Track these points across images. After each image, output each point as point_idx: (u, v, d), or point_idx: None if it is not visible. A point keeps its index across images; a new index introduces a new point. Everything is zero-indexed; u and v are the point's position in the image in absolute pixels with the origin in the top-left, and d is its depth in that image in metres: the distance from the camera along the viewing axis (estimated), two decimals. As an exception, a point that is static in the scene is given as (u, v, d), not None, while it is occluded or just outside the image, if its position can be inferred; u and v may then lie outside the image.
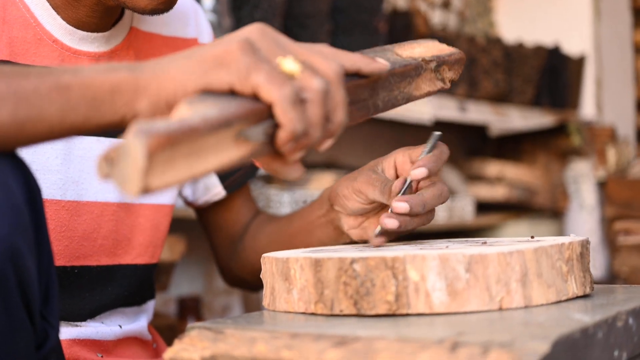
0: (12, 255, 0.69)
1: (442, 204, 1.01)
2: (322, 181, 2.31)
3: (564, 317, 0.74)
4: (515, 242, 0.89)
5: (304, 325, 0.77)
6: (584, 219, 3.46)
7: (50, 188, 1.02)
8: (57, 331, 0.79)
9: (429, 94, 0.97)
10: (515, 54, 3.10)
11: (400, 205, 0.95)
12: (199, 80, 0.70)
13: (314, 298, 0.82)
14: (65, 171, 1.03)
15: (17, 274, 0.70)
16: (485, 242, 0.92)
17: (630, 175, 3.22)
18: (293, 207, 2.18)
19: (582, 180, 3.46)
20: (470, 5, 3.63)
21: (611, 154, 3.44)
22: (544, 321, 0.72)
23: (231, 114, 0.68)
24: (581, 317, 0.74)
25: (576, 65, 3.44)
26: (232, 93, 0.71)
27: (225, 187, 1.23)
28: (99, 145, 1.06)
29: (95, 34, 1.05)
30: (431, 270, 0.76)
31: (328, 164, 2.59)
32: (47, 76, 0.69)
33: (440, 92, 0.98)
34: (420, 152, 1.02)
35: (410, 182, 0.99)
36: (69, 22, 1.03)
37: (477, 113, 2.77)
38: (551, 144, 3.39)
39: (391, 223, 0.95)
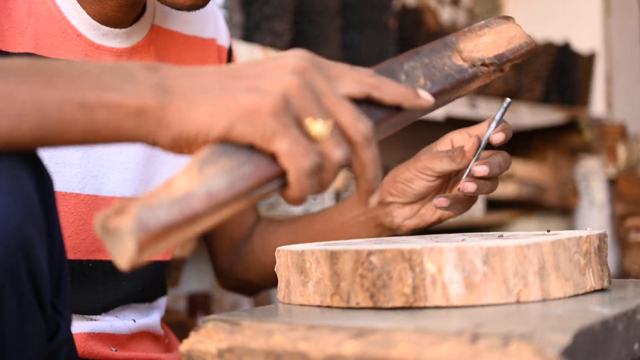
0: (23, 245, 0.68)
1: (507, 169, 1.06)
2: (336, 180, 2.31)
3: (583, 309, 0.74)
4: (532, 235, 0.88)
5: (321, 317, 0.77)
6: (594, 216, 3.45)
7: (70, 181, 1.02)
8: (68, 322, 0.79)
9: (479, 87, 0.93)
10: (525, 51, 3.10)
11: (481, 167, 1.01)
12: (222, 131, 0.67)
13: (330, 291, 0.82)
14: (85, 165, 1.03)
15: (28, 264, 0.69)
16: (501, 236, 0.91)
17: (639, 173, 3.22)
18: (304, 205, 2.18)
19: (592, 177, 3.45)
20: (480, 2, 3.63)
21: (621, 151, 3.43)
22: (563, 313, 0.72)
23: (240, 189, 0.65)
24: (600, 309, 0.73)
25: (586, 62, 3.43)
26: (251, 147, 0.68)
27: None
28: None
29: (118, 30, 1.05)
30: (448, 263, 0.76)
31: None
32: (73, 91, 0.67)
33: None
34: (485, 127, 1.06)
35: (484, 145, 1.03)
36: (94, 17, 1.03)
37: (487, 110, 2.77)
38: (561, 141, 3.38)
39: (470, 186, 1.01)
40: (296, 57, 0.71)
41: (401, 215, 1.12)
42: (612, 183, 3.47)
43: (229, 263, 1.28)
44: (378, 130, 0.77)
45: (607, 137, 3.43)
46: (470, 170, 1.03)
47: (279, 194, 0.70)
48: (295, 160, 0.66)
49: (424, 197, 1.11)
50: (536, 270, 0.78)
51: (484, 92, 2.82)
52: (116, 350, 1.09)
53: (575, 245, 0.82)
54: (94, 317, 1.07)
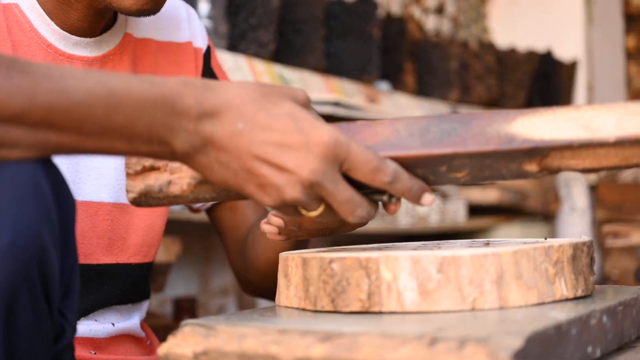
0: (39, 254, 0.72)
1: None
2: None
3: (539, 315, 0.77)
4: (521, 243, 0.91)
5: (292, 321, 0.81)
6: (576, 221, 3.50)
7: None
8: (73, 328, 0.82)
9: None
10: (507, 60, 3.14)
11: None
12: (232, 187, 0.78)
13: (302, 295, 0.86)
14: (72, 173, 1.07)
15: (42, 272, 0.73)
16: (488, 243, 0.94)
17: (620, 179, 3.26)
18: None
19: (574, 183, 3.50)
20: (464, 10, 3.66)
21: (602, 158, 3.47)
22: (519, 319, 0.75)
23: (224, 199, 0.82)
24: (556, 315, 0.77)
25: (568, 70, 3.48)
26: None
27: None
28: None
29: (88, 39, 1.08)
30: (403, 271, 0.80)
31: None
32: (126, 135, 0.75)
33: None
34: None
35: None
36: (62, 28, 1.06)
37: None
38: (543, 148, 3.42)
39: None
40: (318, 157, 0.76)
41: None
42: (593, 189, 3.52)
43: (240, 265, 1.28)
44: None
45: (589, 144, 3.48)
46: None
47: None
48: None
49: None
50: (494, 279, 0.82)
51: (466, 100, 2.86)
52: (95, 353, 1.11)
53: (543, 255, 0.84)
54: (72, 321, 1.10)
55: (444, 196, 2.87)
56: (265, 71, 2.03)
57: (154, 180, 0.83)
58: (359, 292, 0.82)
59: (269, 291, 1.22)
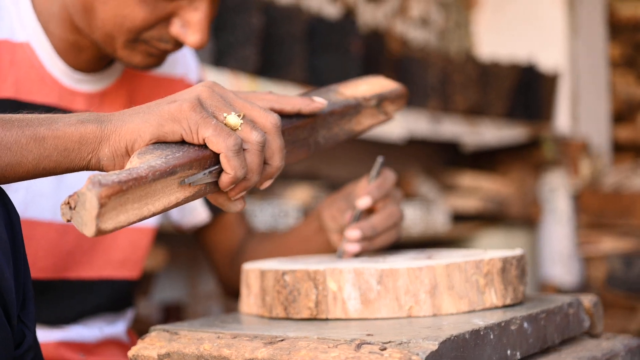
0: None
1: (394, 224, 1.13)
2: (301, 193, 2.43)
3: (463, 322, 0.87)
4: (461, 256, 1.00)
5: (245, 327, 0.91)
6: (558, 228, 3.57)
7: (43, 211, 1.15)
8: (33, 333, 0.92)
9: (371, 127, 1.09)
10: (490, 72, 3.20)
11: (352, 233, 1.09)
12: (155, 131, 0.82)
13: (260, 303, 0.96)
14: (56, 196, 1.16)
15: None
16: (430, 256, 1.03)
17: (602, 187, 3.34)
18: (272, 216, 2.30)
19: (557, 191, 3.58)
20: (449, 20, 3.74)
21: (584, 166, 3.55)
22: (444, 325, 0.85)
23: (175, 163, 0.79)
24: (477, 321, 0.87)
25: (551, 79, 3.54)
26: (183, 143, 0.83)
27: (213, 210, 1.35)
28: (88, 174, 1.19)
29: (90, 76, 1.18)
30: (347, 282, 0.90)
31: (307, 176, 2.71)
32: (26, 128, 0.82)
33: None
34: (368, 179, 1.15)
35: (360, 211, 1.11)
36: (69, 65, 1.16)
37: (450, 125, 2.89)
38: (526, 156, 3.50)
39: (352, 247, 1.09)
40: (204, 82, 0.87)
41: (332, 240, 1.22)
42: (576, 196, 3.60)
43: (226, 274, 1.41)
44: (290, 141, 0.94)
45: (571, 152, 3.56)
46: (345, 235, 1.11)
47: (216, 185, 0.84)
48: (220, 140, 0.82)
49: None
50: (428, 290, 0.92)
51: (447, 108, 2.94)
52: (84, 357, 1.21)
53: (474, 267, 0.94)
54: (63, 327, 1.20)
55: (427, 204, 2.95)
56: (249, 86, 2.12)
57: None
58: (308, 301, 0.92)
59: None
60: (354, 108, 1.04)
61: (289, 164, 0.94)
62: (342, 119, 1.03)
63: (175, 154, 0.81)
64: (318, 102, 0.96)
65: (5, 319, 0.87)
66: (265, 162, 0.87)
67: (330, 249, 1.26)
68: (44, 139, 0.82)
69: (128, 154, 0.83)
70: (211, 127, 0.82)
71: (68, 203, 0.75)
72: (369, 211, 1.15)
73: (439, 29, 3.66)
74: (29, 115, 0.84)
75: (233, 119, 0.84)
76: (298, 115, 0.95)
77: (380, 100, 1.08)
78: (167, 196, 0.80)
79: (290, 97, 0.94)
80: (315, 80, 2.45)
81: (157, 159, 0.79)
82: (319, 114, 0.98)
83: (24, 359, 0.92)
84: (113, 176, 0.75)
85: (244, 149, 0.84)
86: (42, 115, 0.84)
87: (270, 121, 0.87)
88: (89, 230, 0.74)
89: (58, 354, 1.18)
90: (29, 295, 0.91)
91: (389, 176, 1.15)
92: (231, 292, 1.44)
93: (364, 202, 1.11)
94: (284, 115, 0.94)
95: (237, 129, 0.84)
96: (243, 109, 0.86)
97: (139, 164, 0.78)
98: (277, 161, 0.87)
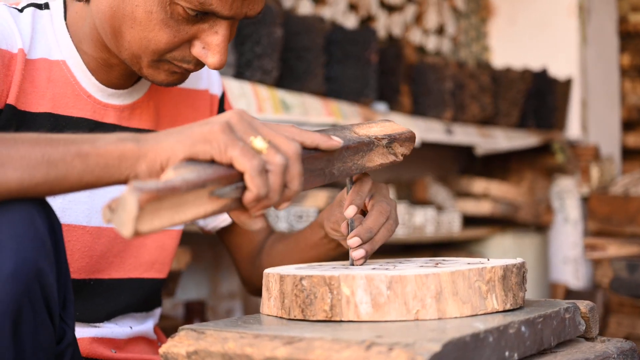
0: (38, 275, 0.92)
1: (387, 218, 1.20)
2: (317, 198, 2.51)
3: (465, 325, 0.95)
4: (465, 264, 1.08)
5: (266, 328, 1.00)
6: (568, 232, 3.63)
7: (79, 216, 1.24)
8: (72, 330, 1.02)
9: (381, 165, 1.17)
10: (502, 79, 3.25)
11: (352, 241, 1.16)
12: (187, 150, 0.91)
13: (280, 305, 1.05)
14: (91, 202, 1.25)
15: (42, 288, 0.93)
16: (437, 264, 1.11)
17: (611, 192, 3.39)
18: (289, 221, 2.38)
19: (567, 196, 3.63)
20: (464, 30, 3.79)
21: (594, 172, 3.61)
22: (448, 328, 0.93)
23: (206, 178, 0.89)
24: (478, 325, 0.95)
25: (563, 87, 3.58)
26: (212, 162, 0.92)
27: None
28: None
29: (121, 91, 1.28)
30: (359, 287, 0.99)
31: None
32: (71, 146, 0.91)
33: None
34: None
35: (352, 219, 1.19)
36: (101, 82, 1.25)
37: (464, 135, 2.95)
38: (537, 163, 3.56)
39: (358, 254, 1.16)
40: (234, 110, 0.96)
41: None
42: (585, 201, 3.66)
43: (248, 273, 1.51)
44: (308, 169, 1.02)
45: (582, 158, 3.61)
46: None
47: (242, 202, 0.93)
48: (245, 160, 0.91)
49: None
50: (433, 295, 1.00)
51: (460, 118, 3.00)
52: (115, 352, 1.30)
53: (477, 275, 1.03)
54: (97, 324, 1.29)
55: (439, 208, 3.02)
56: (268, 97, 2.19)
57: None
58: (323, 304, 1.01)
59: None
60: (367, 145, 1.13)
61: (305, 190, 1.03)
62: (355, 155, 1.12)
63: (206, 170, 0.90)
64: (335, 140, 1.05)
65: (49, 319, 0.96)
66: (285, 185, 0.95)
67: (341, 250, 1.36)
68: (88, 156, 0.92)
69: (162, 169, 0.92)
70: (238, 148, 0.91)
71: (110, 206, 0.84)
72: (363, 213, 1.23)
73: (454, 38, 3.71)
74: (73, 135, 0.93)
75: (259, 143, 0.93)
76: (315, 149, 1.04)
77: (391, 141, 1.16)
78: (197, 207, 0.89)
79: (311, 132, 1.03)
80: (332, 90, 2.51)
81: (190, 173, 0.88)
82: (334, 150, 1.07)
83: (64, 354, 1.02)
84: (152, 184, 0.84)
85: (267, 171, 0.92)
86: (85, 135, 0.93)
87: (292, 148, 0.95)
88: (127, 231, 0.83)
89: (92, 349, 1.27)
90: (69, 296, 1.01)
91: (364, 179, 1.21)
92: (253, 290, 1.54)
93: (349, 211, 1.17)
94: (303, 147, 1.02)
95: (262, 152, 0.92)
96: (268, 135, 0.95)
97: (174, 176, 0.87)
98: (295, 185, 0.95)
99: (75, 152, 0.91)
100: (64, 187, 0.92)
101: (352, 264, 1.18)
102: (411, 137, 1.19)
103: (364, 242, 1.17)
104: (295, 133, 1.01)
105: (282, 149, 0.95)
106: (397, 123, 1.22)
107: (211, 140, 0.92)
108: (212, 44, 1.14)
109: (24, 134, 0.93)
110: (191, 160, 0.92)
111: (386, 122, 1.20)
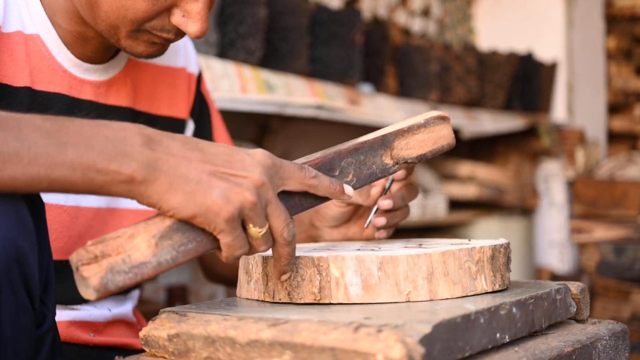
0: (17, 255, 0.88)
1: (414, 199, 1.24)
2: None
3: (456, 306, 0.92)
4: (449, 244, 1.06)
5: (250, 310, 0.97)
6: (554, 216, 3.63)
7: (55, 195, 1.20)
8: (53, 313, 0.98)
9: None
10: (488, 61, 3.24)
11: (386, 202, 1.19)
12: (186, 217, 0.89)
13: (262, 288, 1.02)
14: None
15: (21, 269, 0.89)
16: (421, 245, 1.09)
17: (596, 176, 3.39)
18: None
19: (553, 179, 3.63)
20: (450, 12, 3.77)
21: (580, 155, 3.60)
22: (439, 310, 0.91)
23: (182, 260, 0.90)
24: (469, 306, 0.92)
25: (548, 71, 3.59)
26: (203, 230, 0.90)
27: None
28: None
29: (97, 66, 1.24)
30: (349, 268, 0.96)
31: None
32: (82, 157, 0.86)
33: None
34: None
35: (391, 182, 1.20)
36: (77, 56, 1.22)
37: (451, 117, 2.93)
38: (523, 146, 3.55)
39: (380, 221, 1.19)
40: (260, 164, 0.92)
41: (329, 237, 1.30)
42: (571, 185, 3.66)
43: (210, 261, 1.49)
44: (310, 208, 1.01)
45: (567, 142, 3.61)
46: (377, 205, 1.20)
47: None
48: (231, 250, 0.91)
49: (343, 221, 1.29)
50: (425, 276, 0.97)
51: (446, 100, 2.99)
52: (94, 336, 1.27)
53: (467, 255, 1.00)
54: (74, 306, 1.26)
55: (425, 191, 3.00)
56: (252, 77, 2.16)
57: (114, 259, 0.86)
58: (311, 286, 0.97)
59: (229, 280, 1.51)
60: (386, 175, 1.08)
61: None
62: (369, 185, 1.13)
63: (188, 247, 0.90)
64: (347, 194, 1.01)
65: (29, 302, 0.93)
66: (274, 260, 0.96)
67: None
68: (96, 174, 0.87)
69: (158, 211, 0.90)
70: (231, 238, 0.89)
71: (73, 263, 0.85)
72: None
73: (440, 20, 3.69)
74: (84, 129, 0.88)
75: (255, 232, 0.91)
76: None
77: (420, 161, 1.11)
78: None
79: (326, 184, 0.99)
80: (317, 71, 2.48)
81: (168, 252, 0.88)
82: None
83: (44, 339, 0.98)
84: (120, 277, 0.85)
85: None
86: (98, 132, 0.89)
87: (284, 237, 0.93)
88: (84, 295, 0.86)
89: (69, 333, 1.24)
90: (50, 279, 0.97)
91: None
92: (212, 277, 1.54)
93: (402, 174, 1.20)
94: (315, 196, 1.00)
95: (255, 237, 0.92)
96: (270, 218, 0.92)
97: (152, 255, 0.87)
98: (282, 263, 0.96)
99: (84, 167, 0.86)
100: (65, 191, 0.88)
101: (367, 227, 1.22)
102: (448, 149, 1.12)
103: (392, 209, 1.20)
104: (311, 187, 0.97)
105: (274, 236, 0.94)
106: (450, 123, 1.11)
107: (210, 221, 0.89)
108: (192, 11, 1.11)
109: (29, 121, 0.87)
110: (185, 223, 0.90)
111: (437, 126, 1.09)
